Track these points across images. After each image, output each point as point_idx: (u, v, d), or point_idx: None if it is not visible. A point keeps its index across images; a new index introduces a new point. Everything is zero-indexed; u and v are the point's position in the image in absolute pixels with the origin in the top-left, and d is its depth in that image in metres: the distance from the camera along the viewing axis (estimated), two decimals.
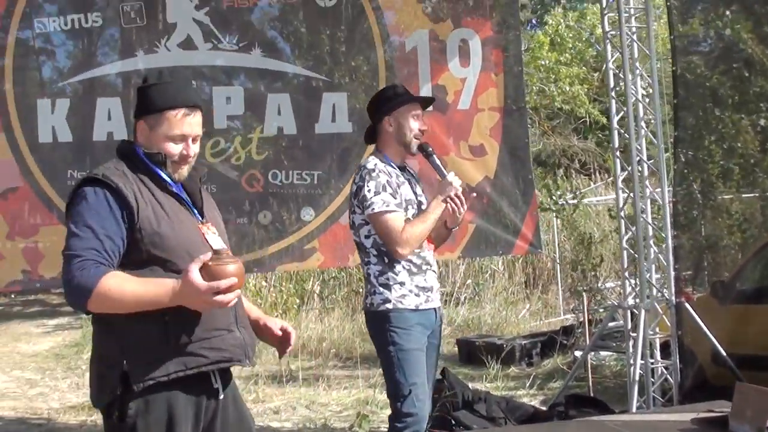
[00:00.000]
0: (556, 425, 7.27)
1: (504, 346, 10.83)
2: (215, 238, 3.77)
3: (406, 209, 5.13)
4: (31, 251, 6.71)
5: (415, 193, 5.26)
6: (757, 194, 8.94)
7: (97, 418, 9.37)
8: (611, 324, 10.18)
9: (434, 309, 5.24)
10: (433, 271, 5.27)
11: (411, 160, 5.61)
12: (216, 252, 3.34)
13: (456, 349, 11.71)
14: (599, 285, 12.56)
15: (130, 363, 3.44)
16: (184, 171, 3.74)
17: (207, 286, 3.22)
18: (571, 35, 17.56)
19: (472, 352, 10.94)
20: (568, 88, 16.29)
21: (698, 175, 8.33)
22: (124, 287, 3.32)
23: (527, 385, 9.73)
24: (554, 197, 12.34)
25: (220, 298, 3.26)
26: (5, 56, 6.75)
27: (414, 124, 5.20)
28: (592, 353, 9.52)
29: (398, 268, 5.15)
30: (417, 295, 5.15)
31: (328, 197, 7.22)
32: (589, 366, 8.90)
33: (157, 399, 3.48)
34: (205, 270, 3.24)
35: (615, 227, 13.22)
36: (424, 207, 5.21)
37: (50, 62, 7.08)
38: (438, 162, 5.24)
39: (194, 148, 3.76)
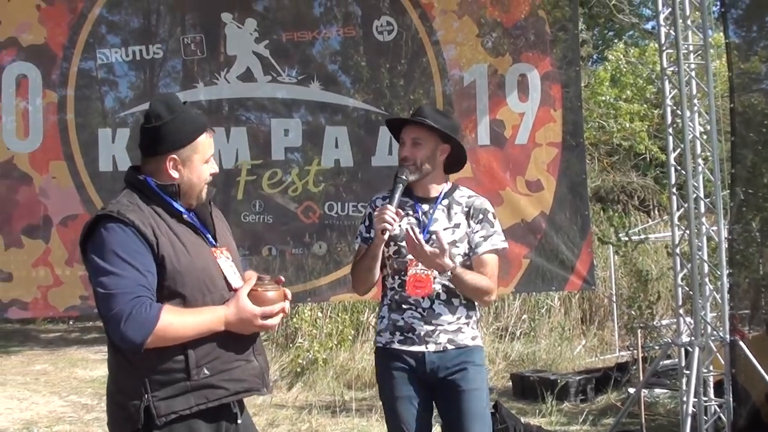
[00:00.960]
0: None
1: (558, 381, 10.76)
2: (228, 264, 3.80)
3: (387, 245, 4.77)
4: (88, 278, 6.79)
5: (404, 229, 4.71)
6: None
7: None
8: (666, 362, 10.08)
9: (420, 353, 4.72)
10: (420, 313, 4.73)
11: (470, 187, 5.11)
12: (260, 278, 3.50)
13: (510, 383, 11.66)
14: (655, 322, 12.42)
15: (152, 397, 3.47)
16: (207, 190, 3.81)
17: (261, 312, 3.39)
18: (631, 71, 17.47)
19: (526, 387, 10.88)
20: (628, 125, 16.19)
21: (756, 213, 8.24)
22: (185, 320, 3.39)
23: (580, 420, 9.66)
24: (618, 232, 12.26)
25: (269, 322, 3.44)
26: (68, 86, 6.91)
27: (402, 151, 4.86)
28: (646, 390, 9.42)
29: (385, 300, 4.93)
30: (392, 333, 4.82)
31: None
32: (643, 403, 8.83)
33: (180, 428, 3.52)
34: (252, 295, 3.40)
35: (669, 265, 13.15)
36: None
37: (112, 92, 7.22)
38: (396, 193, 4.66)
39: (216, 166, 3.87)
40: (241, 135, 7.10)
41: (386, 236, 4.61)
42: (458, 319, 4.79)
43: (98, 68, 7.07)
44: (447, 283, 4.74)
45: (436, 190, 4.88)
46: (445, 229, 4.77)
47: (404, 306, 4.78)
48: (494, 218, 4.91)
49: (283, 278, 3.94)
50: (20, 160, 6.80)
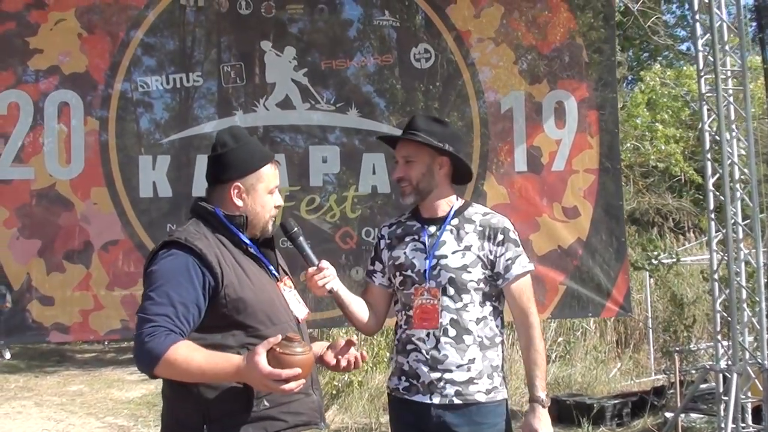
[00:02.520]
0: None
1: (594, 405, 10.72)
2: (291, 295, 3.83)
3: (393, 275, 4.44)
4: (129, 302, 6.88)
5: (412, 256, 4.36)
6: None
7: None
8: (703, 386, 10.04)
9: (425, 405, 4.24)
10: (424, 356, 4.24)
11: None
12: (287, 338, 3.27)
13: None
14: (692, 346, 12.35)
15: (211, 428, 3.50)
16: (272, 223, 3.84)
17: (269, 372, 3.17)
18: (667, 93, 17.44)
19: (562, 411, 10.83)
20: (663, 147, 16.16)
21: None
22: (191, 359, 3.29)
23: None
24: (650, 256, 12.21)
25: (283, 386, 3.20)
26: (109, 113, 6.99)
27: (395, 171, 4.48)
28: (683, 415, 9.39)
29: (395, 340, 4.50)
30: (399, 378, 4.37)
31: None
32: (680, 428, 8.78)
33: None
34: (272, 354, 3.21)
35: (708, 288, 13.09)
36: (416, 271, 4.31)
37: (151, 119, 7.29)
38: (304, 249, 4.18)
39: (281, 199, 3.88)
40: (280, 161, 7.13)
41: (336, 290, 4.21)
42: (470, 363, 4.23)
43: (137, 95, 7.15)
44: (456, 316, 4.24)
45: (443, 209, 4.40)
46: (453, 253, 4.28)
47: (408, 347, 4.31)
48: (516, 236, 4.40)
49: (353, 341, 3.92)
50: (62, 186, 6.87)
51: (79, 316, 6.87)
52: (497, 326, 4.35)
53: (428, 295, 4.27)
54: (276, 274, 3.81)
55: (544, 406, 4.22)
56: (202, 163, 6.98)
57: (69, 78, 6.93)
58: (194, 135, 7.18)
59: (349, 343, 3.95)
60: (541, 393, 4.23)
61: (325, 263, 4.12)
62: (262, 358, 3.18)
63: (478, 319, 4.25)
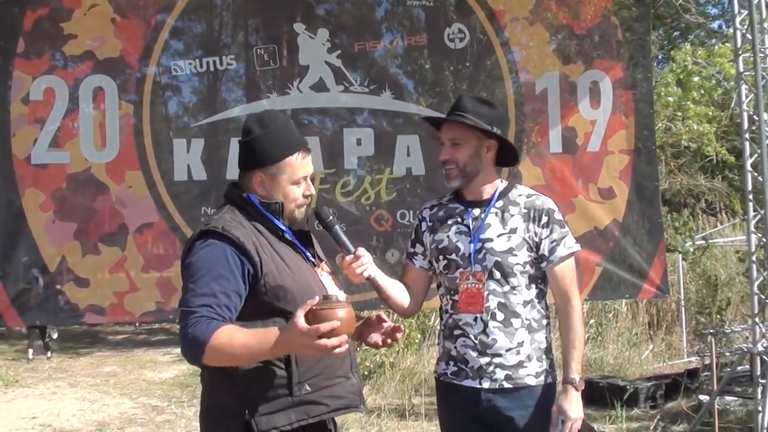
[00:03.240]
0: None
1: (627, 387, 10.69)
2: (329, 281, 3.82)
3: (436, 259, 4.39)
4: (164, 284, 6.91)
5: (456, 239, 4.32)
6: None
7: None
8: (729, 369, 10.02)
9: (474, 389, 4.23)
10: (472, 341, 4.22)
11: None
12: (325, 297, 3.29)
13: None
14: (725, 328, 12.29)
15: (253, 413, 3.50)
16: (305, 210, 3.81)
17: (307, 329, 3.16)
18: (698, 73, 17.27)
19: (594, 393, 10.81)
20: (695, 126, 16.00)
21: None
22: (235, 340, 3.31)
23: (651, 428, 9.59)
24: (682, 238, 12.14)
25: (324, 342, 3.17)
26: (143, 98, 7.00)
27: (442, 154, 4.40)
28: (717, 397, 9.33)
29: (440, 324, 4.48)
30: (446, 363, 4.34)
31: None
32: (716, 411, 8.73)
33: None
34: (311, 314, 3.20)
35: (743, 270, 13.02)
36: (462, 255, 4.27)
37: (185, 103, 7.29)
38: (341, 237, 4.11)
39: (312, 186, 3.83)
40: (313, 144, 7.08)
41: (374, 276, 4.18)
42: (519, 346, 4.22)
43: (170, 79, 7.16)
44: (503, 299, 4.21)
45: (488, 191, 4.35)
46: (499, 236, 4.23)
47: (456, 332, 4.27)
48: (561, 217, 4.35)
49: (383, 316, 3.98)
50: (97, 169, 6.90)
51: (114, 297, 6.91)
52: (543, 308, 4.34)
53: (473, 279, 4.23)
54: (313, 259, 3.80)
55: (577, 389, 4.22)
56: (236, 146, 6.98)
57: (103, 63, 6.94)
58: (229, 118, 7.16)
59: (380, 319, 3.96)
60: (576, 375, 4.22)
61: (361, 250, 4.10)
62: (300, 318, 3.18)
63: (525, 302, 4.23)
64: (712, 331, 11.51)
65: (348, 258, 4.06)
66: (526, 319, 4.24)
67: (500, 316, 4.20)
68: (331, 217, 4.10)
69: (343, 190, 7.14)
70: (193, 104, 7.24)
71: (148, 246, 7.00)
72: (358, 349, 12.68)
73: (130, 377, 15.18)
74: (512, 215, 4.28)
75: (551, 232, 4.27)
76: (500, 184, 4.40)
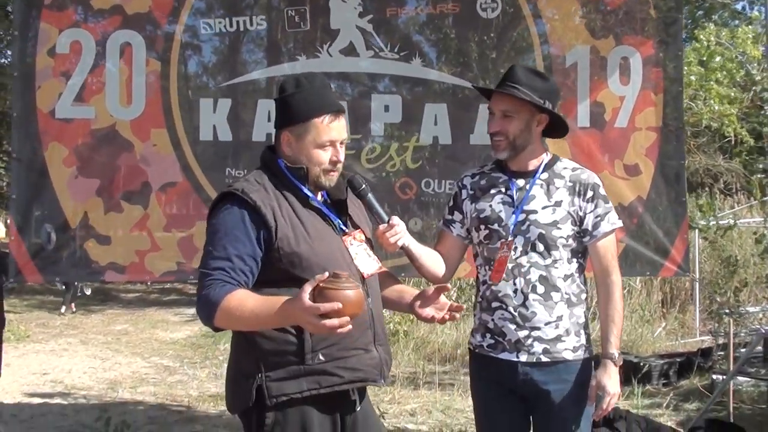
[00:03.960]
0: None
1: (641, 364, 10.71)
2: (360, 250, 3.78)
3: (477, 228, 4.36)
4: (186, 244, 6.89)
5: (498, 209, 4.30)
6: None
7: None
8: (745, 349, 10.03)
9: (512, 362, 4.23)
10: (511, 313, 4.20)
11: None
12: (335, 275, 3.23)
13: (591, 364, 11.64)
14: (741, 309, 12.30)
15: (265, 377, 3.51)
16: (334, 177, 3.77)
17: (309, 306, 3.14)
18: (721, 53, 17.16)
19: None
20: (717, 107, 15.92)
21: None
22: (244, 305, 3.35)
23: (664, 405, 9.61)
24: (706, 217, 12.12)
25: (324, 322, 3.14)
26: (171, 55, 6.93)
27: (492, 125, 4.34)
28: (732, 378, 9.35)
29: (478, 296, 4.44)
30: (483, 335, 4.33)
31: None
32: (732, 391, 8.74)
33: (293, 413, 3.58)
34: (317, 291, 3.18)
35: (759, 251, 13.00)
36: (503, 225, 4.25)
37: (215, 63, 7.23)
38: (375, 207, 4.07)
39: (342, 153, 3.79)
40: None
41: (407, 245, 4.14)
42: (558, 320, 4.20)
43: (201, 39, 7.11)
44: (544, 272, 4.18)
45: (534, 163, 4.33)
46: (544, 208, 4.22)
47: (494, 305, 4.25)
48: (605, 192, 4.36)
49: (447, 286, 3.99)
50: (122, 127, 6.84)
51: (135, 256, 6.87)
52: (582, 283, 4.33)
53: (506, 248, 4.21)
54: (344, 228, 3.77)
55: (616, 364, 4.23)
56: (263, 108, 6.96)
57: (132, 18, 6.87)
58: (257, 79, 7.13)
59: (440, 290, 3.95)
60: (615, 351, 4.24)
61: (395, 219, 4.06)
62: (305, 293, 3.17)
63: (566, 275, 4.22)
64: (729, 310, 11.51)
65: (382, 227, 4.03)
66: (566, 293, 4.23)
67: (541, 289, 4.19)
68: (363, 186, 4.05)
69: (369, 156, 7.10)
70: (231, 64, 7.16)
71: (171, 205, 6.97)
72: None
73: (141, 336, 15.24)
74: (557, 188, 4.27)
75: (596, 207, 4.27)
76: (545, 156, 4.38)
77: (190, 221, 6.93)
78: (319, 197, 3.79)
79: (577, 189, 4.27)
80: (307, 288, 3.18)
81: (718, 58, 16.63)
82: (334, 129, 3.73)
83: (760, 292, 14.03)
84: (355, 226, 3.90)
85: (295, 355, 3.53)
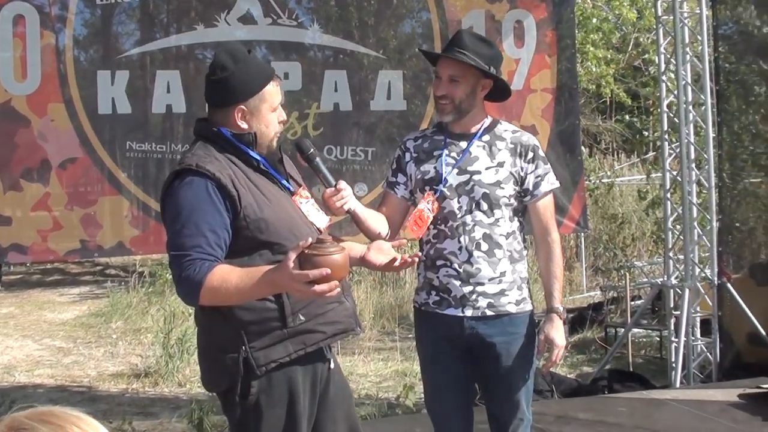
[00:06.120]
0: (609, 399, 7.44)
1: (536, 321, 10.95)
2: (310, 206, 3.81)
3: (422, 189, 4.37)
4: (89, 221, 6.79)
5: (440, 169, 4.33)
6: None
7: (139, 386, 9.52)
8: (638, 302, 10.39)
9: (457, 318, 4.27)
10: (456, 270, 4.26)
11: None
12: (319, 240, 3.19)
13: None
14: (634, 263, 12.69)
15: (250, 348, 3.50)
16: (277, 139, 3.79)
17: (296, 273, 3.10)
18: (597, 15, 17.49)
19: None
20: (594, 69, 16.24)
21: (733, 161, 8.45)
22: (228, 280, 3.29)
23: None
24: (592, 176, 12.45)
25: (314, 288, 3.11)
26: (66, 27, 6.79)
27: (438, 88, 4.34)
28: (622, 329, 9.66)
29: (422, 254, 4.41)
30: (428, 293, 4.38)
31: (380, 174, 7.22)
32: (630, 342, 9.05)
33: (278, 376, 3.53)
34: (303, 257, 3.13)
35: (643, 208, 13.40)
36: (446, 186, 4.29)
37: (113, 34, 7.10)
38: (321, 171, 4.01)
39: (284, 113, 3.82)
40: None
41: (354, 209, 4.07)
42: (501, 276, 4.27)
43: (96, 8, 6.97)
44: (488, 230, 4.26)
45: (476, 127, 4.38)
46: (487, 169, 4.28)
47: (438, 263, 4.31)
48: (544, 154, 4.44)
49: (403, 241, 3.98)
50: (18, 102, 6.67)
51: (37, 236, 6.74)
52: (522, 240, 4.42)
53: (426, 202, 4.30)
54: (289, 187, 3.78)
55: (561, 317, 4.38)
56: (162, 79, 6.90)
57: None
58: (154, 50, 7.03)
59: (395, 244, 3.99)
60: (559, 305, 4.39)
61: (342, 183, 4.02)
62: (290, 261, 3.12)
63: (508, 233, 4.30)
64: (623, 265, 11.86)
65: (329, 191, 4.01)
66: (508, 250, 4.31)
67: (484, 246, 4.27)
68: (312, 150, 4.03)
69: None
70: (127, 35, 7.06)
71: (72, 182, 6.84)
72: None
73: (29, 318, 14.86)
74: (500, 150, 4.34)
75: (536, 168, 4.35)
76: (486, 120, 4.45)
77: (93, 198, 6.83)
78: None
79: (518, 150, 4.35)
80: (292, 255, 3.13)
81: (594, 20, 16.90)
82: (279, 91, 3.75)
83: (644, 246, 14.42)
84: (298, 185, 3.91)
85: (276, 321, 3.50)
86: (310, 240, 3.15)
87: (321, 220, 3.77)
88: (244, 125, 3.60)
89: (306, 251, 3.12)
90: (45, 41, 6.75)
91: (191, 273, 3.30)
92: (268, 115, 3.64)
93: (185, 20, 7.09)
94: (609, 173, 14.15)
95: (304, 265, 3.11)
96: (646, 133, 14.51)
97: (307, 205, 3.76)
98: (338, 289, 3.30)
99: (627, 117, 17.01)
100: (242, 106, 3.59)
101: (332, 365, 3.79)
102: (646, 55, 16.11)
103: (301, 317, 3.52)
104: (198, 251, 3.34)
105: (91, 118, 6.82)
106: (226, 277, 3.29)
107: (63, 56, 6.79)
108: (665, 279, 8.41)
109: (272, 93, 3.66)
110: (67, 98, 6.78)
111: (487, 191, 4.26)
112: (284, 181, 3.74)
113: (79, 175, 6.84)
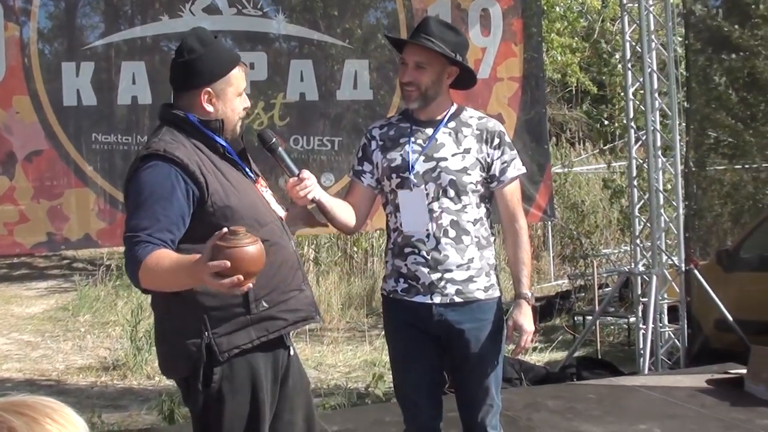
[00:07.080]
0: (578, 386, 7.48)
1: (505, 310, 11.01)
2: (269, 195, 3.81)
3: (388, 177, 4.35)
4: (56, 214, 6.74)
5: (406, 157, 4.32)
6: (746, 166, 9.19)
7: (108, 379, 9.49)
8: (605, 290, 10.45)
9: (426, 305, 4.25)
10: (423, 257, 4.23)
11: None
12: (231, 231, 3.07)
13: None
14: (601, 251, 12.75)
15: (213, 334, 3.49)
16: (240, 125, 3.79)
17: (204, 266, 3.01)
18: (560, 4, 17.54)
19: None
20: (559, 57, 16.28)
21: (698, 149, 8.54)
22: (161, 266, 3.25)
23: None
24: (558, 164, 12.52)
25: (218, 280, 3.02)
26: (30, 19, 6.74)
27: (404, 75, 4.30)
28: (590, 316, 9.71)
29: (389, 243, 4.46)
30: (396, 280, 4.36)
31: (347, 163, 7.20)
32: (598, 329, 9.10)
33: (240, 362, 3.52)
34: (215, 249, 3.03)
35: (608, 196, 13.46)
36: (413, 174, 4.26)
37: (77, 26, 7.05)
38: (285, 161, 4.00)
39: (248, 100, 3.81)
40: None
41: (318, 198, 4.06)
42: (469, 262, 4.26)
43: (59, 1, 6.93)
44: (455, 217, 4.24)
45: (442, 114, 4.34)
46: (453, 155, 4.26)
47: (406, 250, 4.28)
48: (510, 139, 4.40)
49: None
50: None
51: (3, 229, 6.69)
52: (489, 227, 4.41)
53: None
54: (252, 175, 3.78)
55: (529, 303, 4.36)
56: (128, 71, 6.86)
57: None
58: (120, 41, 6.99)
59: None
60: (527, 291, 4.35)
61: (306, 173, 3.99)
62: (205, 251, 3.06)
63: (475, 220, 4.29)
64: (585, 254, 11.92)
65: (292, 180, 4.00)
66: (476, 236, 4.28)
67: (452, 233, 4.25)
68: (274, 140, 4.00)
69: None
70: (93, 27, 7.01)
71: (38, 174, 6.79)
72: None
73: None
74: (466, 136, 4.31)
75: (502, 154, 4.32)
76: (452, 107, 4.40)
77: (59, 190, 6.78)
78: None
79: (484, 137, 4.33)
80: (208, 245, 3.07)
81: (558, 9, 16.94)
82: (244, 78, 3.75)
83: (610, 234, 14.51)
84: (257, 175, 3.91)
85: (241, 306, 3.49)
86: (225, 230, 3.10)
87: (279, 209, 3.78)
88: (210, 108, 3.58)
89: (218, 242, 3.04)
90: (9, 33, 6.69)
91: (135, 253, 3.28)
92: (234, 99, 3.63)
93: (150, 11, 7.05)
94: (566, 162, 14.17)
95: (216, 256, 3.02)
96: (606, 123, 14.55)
97: (266, 193, 3.76)
98: (296, 267, 3.32)
99: (589, 106, 17.00)
100: (209, 89, 3.58)
101: (292, 352, 3.79)
102: (611, 44, 16.16)
103: (264, 303, 3.52)
104: (146, 234, 3.31)
105: (57, 110, 6.78)
106: (160, 261, 3.24)
107: (27, 49, 6.74)
108: (632, 266, 8.47)
109: (238, 77, 3.65)
110: (32, 90, 6.73)
111: (454, 178, 4.23)
112: (247, 169, 3.74)
113: (45, 167, 6.79)
